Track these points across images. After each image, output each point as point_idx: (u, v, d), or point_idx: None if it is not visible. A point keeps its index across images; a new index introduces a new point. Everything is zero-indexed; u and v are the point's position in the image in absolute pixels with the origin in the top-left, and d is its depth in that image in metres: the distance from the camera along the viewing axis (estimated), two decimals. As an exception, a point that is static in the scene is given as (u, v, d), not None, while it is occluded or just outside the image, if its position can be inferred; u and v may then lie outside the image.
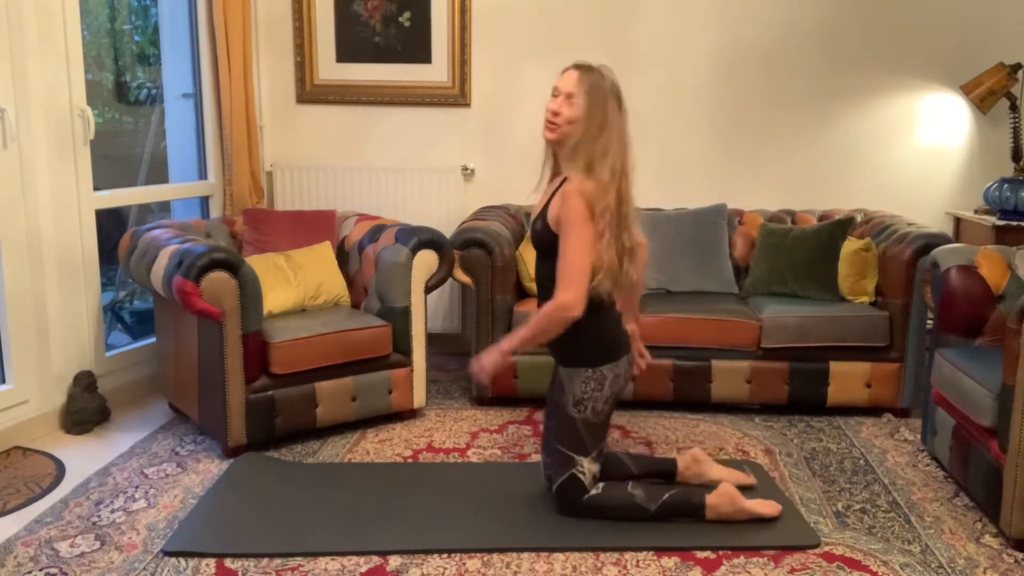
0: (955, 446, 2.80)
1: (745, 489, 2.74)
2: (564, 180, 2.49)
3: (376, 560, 2.38)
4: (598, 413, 2.53)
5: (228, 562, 2.35)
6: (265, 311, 3.16)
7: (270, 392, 3.08)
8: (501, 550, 2.44)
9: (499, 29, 4.22)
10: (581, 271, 2.38)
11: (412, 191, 4.24)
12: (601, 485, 2.57)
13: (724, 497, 2.58)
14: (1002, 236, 3.78)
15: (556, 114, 2.46)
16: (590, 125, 2.43)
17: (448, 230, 3.73)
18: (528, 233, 2.70)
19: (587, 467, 2.54)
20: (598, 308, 2.50)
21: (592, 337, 2.51)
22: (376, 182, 4.24)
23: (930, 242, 3.36)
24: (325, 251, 3.61)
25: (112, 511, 2.66)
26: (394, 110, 4.30)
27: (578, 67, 2.48)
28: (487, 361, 2.49)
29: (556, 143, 2.52)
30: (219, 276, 2.94)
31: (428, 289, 3.43)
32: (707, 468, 2.76)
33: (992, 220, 3.89)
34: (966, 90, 4.10)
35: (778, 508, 2.62)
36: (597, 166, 2.42)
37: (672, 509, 2.57)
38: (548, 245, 2.50)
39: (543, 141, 2.57)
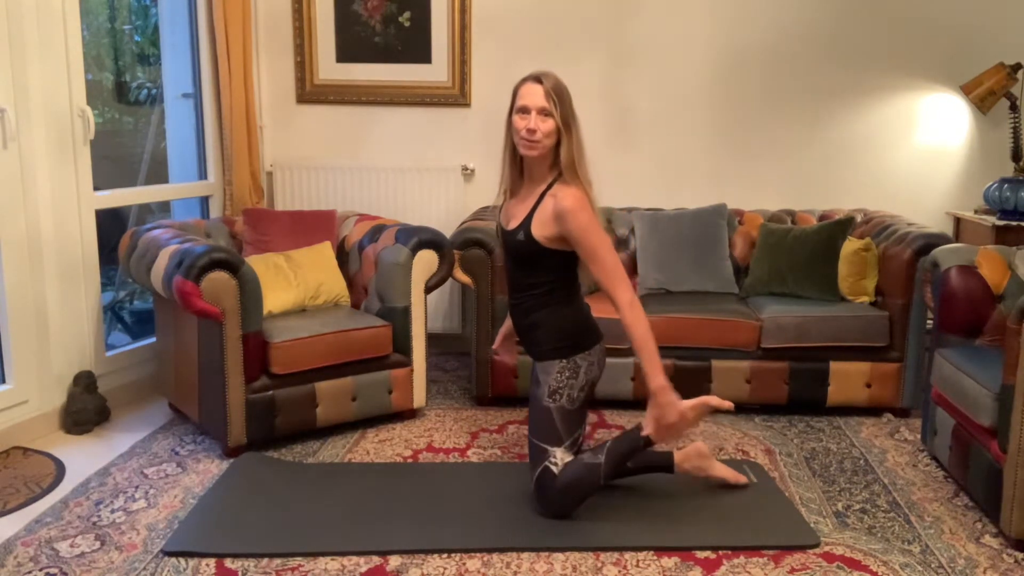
0: (955, 446, 2.80)
1: (746, 490, 2.76)
2: (546, 190, 2.53)
3: (376, 560, 2.38)
4: (573, 400, 2.56)
5: (228, 562, 2.35)
6: (265, 311, 3.16)
7: (270, 392, 3.08)
8: (501, 550, 2.44)
9: (499, 29, 4.22)
10: (618, 266, 2.51)
11: (412, 191, 4.25)
12: (559, 469, 2.55)
13: (691, 449, 2.76)
14: (1002, 236, 3.78)
15: (534, 132, 2.47)
16: (566, 126, 2.48)
17: (448, 230, 3.73)
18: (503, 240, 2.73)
19: (560, 457, 2.55)
20: (570, 300, 2.61)
21: (564, 330, 2.59)
22: (376, 182, 4.24)
23: (930, 242, 3.36)
24: (325, 251, 3.61)
25: (112, 511, 2.66)
26: (394, 110, 4.31)
27: (535, 79, 2.50)
28: (680, 411, 2.52)
29: (537, 158, 2.53)
30: (219, 276, 2.94)
31: (428, 289, 3.43)
32: (709, 463, 2.77)
33: (992, 220, 3.89)
34: (966, 90, 4.10)
35: (744, 479, 2.80)
36: (578, 162, 2.50)
37: (619, 456, 2.57)
38: (530, 256, 2.56)
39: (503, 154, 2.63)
